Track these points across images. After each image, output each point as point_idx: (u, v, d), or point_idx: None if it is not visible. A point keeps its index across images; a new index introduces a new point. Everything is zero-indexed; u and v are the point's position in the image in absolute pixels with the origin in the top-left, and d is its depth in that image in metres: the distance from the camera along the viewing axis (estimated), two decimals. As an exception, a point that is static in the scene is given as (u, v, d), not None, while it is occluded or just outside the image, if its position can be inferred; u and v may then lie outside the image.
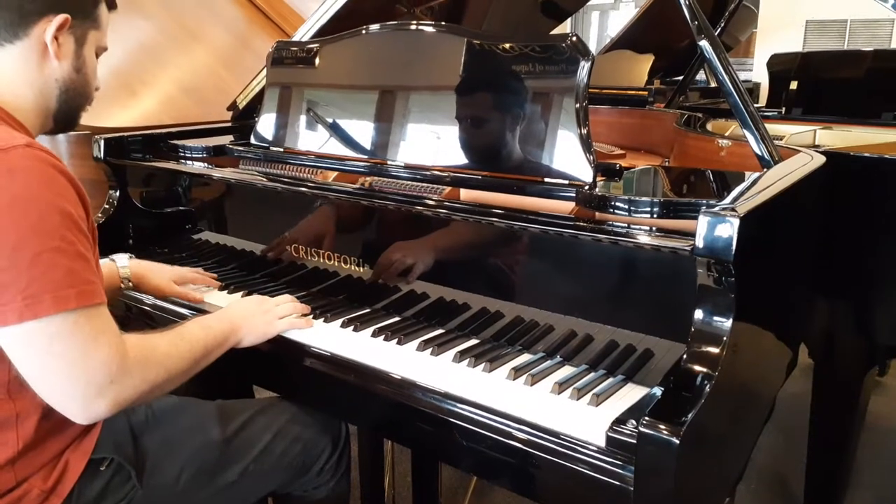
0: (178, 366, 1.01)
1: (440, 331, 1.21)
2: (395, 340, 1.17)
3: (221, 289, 1.44)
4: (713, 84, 3.35)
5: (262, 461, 1.14)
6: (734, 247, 0.88)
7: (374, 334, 1.20)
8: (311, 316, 1.26)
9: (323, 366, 1.17)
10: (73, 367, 0.88)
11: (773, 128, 2.02)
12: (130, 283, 1.36)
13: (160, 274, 1.38)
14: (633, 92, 2.62)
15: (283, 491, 1.21)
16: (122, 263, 1.36)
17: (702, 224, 0.90)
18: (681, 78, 2.62)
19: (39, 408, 0.96)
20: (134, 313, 1.41)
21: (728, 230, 0.88)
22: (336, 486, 1.24)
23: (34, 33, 0.99)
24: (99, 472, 1.03)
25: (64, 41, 1.02)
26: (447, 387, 1.05)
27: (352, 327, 1.23)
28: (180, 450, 1.10)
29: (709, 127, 1.97)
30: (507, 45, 1.26)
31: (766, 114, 2.45)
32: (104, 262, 1.37)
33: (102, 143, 1.68)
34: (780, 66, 2.74)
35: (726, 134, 1.74)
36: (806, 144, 1.87)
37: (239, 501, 1.16)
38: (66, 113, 1.07)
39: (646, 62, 3.51)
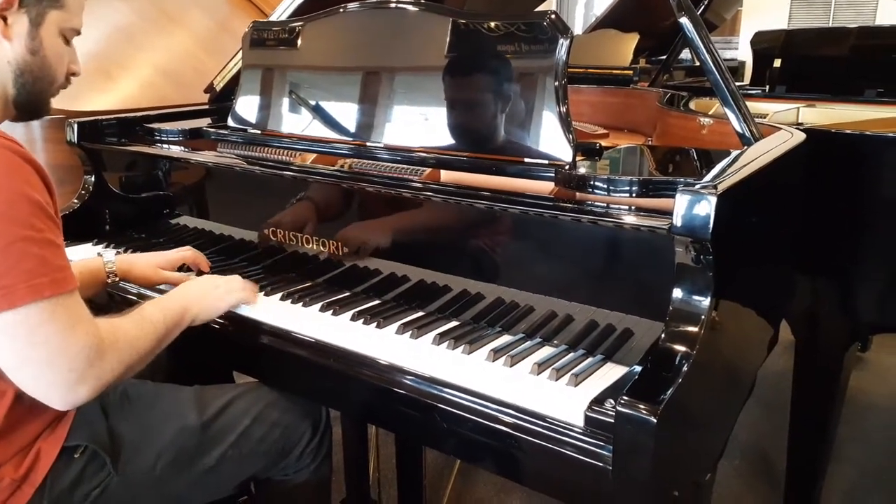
0: (145, 346, 1.02)
1: (420, 313, 1.20)
2: (375, 324, 1.16)
3: (200, 274, 1.41)
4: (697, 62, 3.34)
5: (240, 446, 1.13)
6: (711, 225, 0.87)
7: (354, 318, 1.19)
8: (262, 293, 1.27)
9: (301, 350, 1.16)
10: (54, 355, 0.88)
11: (757, 106, 2.01)
12: (117, 278, 1.34)
13: (145, 263, 1.36)
14: (617, 71, 2.61)
15: (264, 475, 1.20)
16: (109, 258, 1.34)
17: (679, 202, 0.89)
18: (665, 57, 2.60)
19: (9, 395, 0.95)
20: (117, 302, 1.39)
21: (705, 208, 0.87)
22: (317, 470, 1.24)
23: None
24: (73, 459, 1.01)
25: (14, 21, 0.98)
26: (426, 369, 1.04)
27: (331, 311, 1.22)
28: (157, 436, 1.09)
29: (692, 105, 1.96)
30: (485, 24, 1.24)
31: (749, 92, 2.45)
32: (91, 258, 1.36)
33: (76, 126, 1.65)
34: (765, 44, 2.74)
35: (709, 112, 1.73)
36: (789, 122, 1.86)
37: (218, 486, 1.15)
38: (26, 98, 1.03)
39: (631, 41, 3.48)
